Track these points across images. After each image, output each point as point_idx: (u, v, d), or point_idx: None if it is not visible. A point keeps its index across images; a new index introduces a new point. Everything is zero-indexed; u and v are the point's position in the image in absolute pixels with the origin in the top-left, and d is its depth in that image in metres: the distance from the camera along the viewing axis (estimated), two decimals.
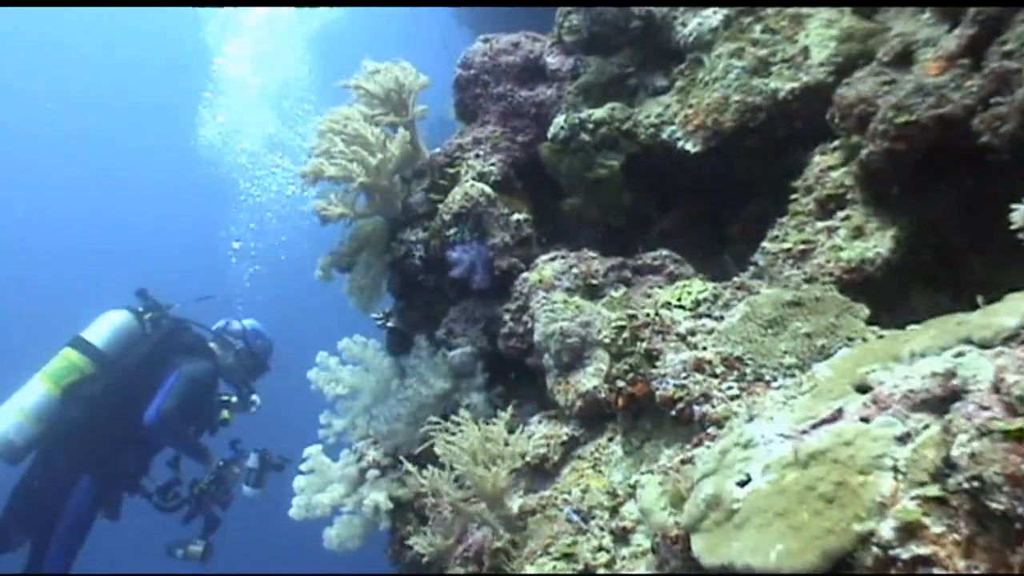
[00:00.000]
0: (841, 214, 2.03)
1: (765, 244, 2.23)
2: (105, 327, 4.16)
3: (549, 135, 2.60)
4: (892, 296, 1.91)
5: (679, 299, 1.87)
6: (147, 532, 4.41)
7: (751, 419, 1.23)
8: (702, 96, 2.52)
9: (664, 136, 2.57)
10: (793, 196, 2.26)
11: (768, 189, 2.75)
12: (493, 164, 2.70)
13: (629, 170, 2.71)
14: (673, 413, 1.51)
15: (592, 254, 2.54)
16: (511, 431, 1.97)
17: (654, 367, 1.67)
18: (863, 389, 1.08)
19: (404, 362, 3.07)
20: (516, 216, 2.62)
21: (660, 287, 2.43)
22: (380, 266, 2.75)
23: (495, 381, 2.55)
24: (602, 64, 2.71)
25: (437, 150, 2.82)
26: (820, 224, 2.09)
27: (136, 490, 4.19)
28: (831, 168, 2.14)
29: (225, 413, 4.42)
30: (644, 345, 1.71)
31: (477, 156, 2.73)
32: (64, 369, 3.97)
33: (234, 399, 4.49)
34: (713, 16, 2.57)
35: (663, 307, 1.87)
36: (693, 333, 1.69)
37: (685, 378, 1.52)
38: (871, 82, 2.03)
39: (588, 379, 2.13)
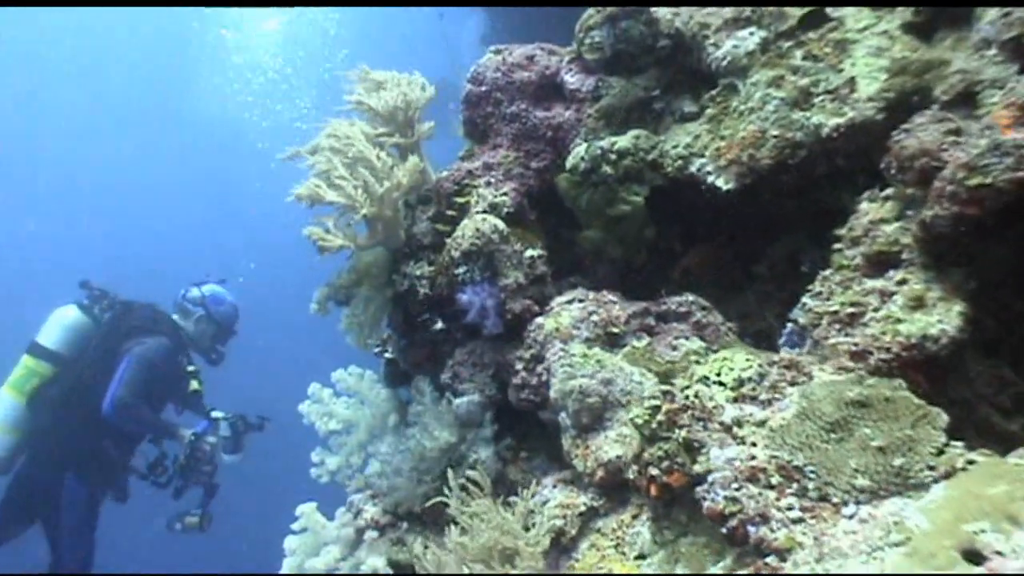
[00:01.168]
0: (895, 275, 1.87)
1: (807, 300, 2.07)
2: (56, 327, 4.27)
3: (568, 165, 2.42)
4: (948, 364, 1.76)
5: (718, 373, 1.71)
6: (149, 512, 4.53)
7: (821, 558, 1.06)
8: (736, 127, 2.35)
9: (693, 169, 2.41)
10: (837, 246, 2.10)
11: (799, 225, 2.59)
12: (505, 193, 2.53)
13: (652, 200, 2.54)
14: (724, 531, 1.34)
15: (612, 297, 2.38)
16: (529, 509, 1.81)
17: (695, 461, 1.50)
18: (973, 558, 0.92)
19: (403, 395, 2.91)
20: (530, 252, 2.45)
21: (686, 337, 2.28)
22: (381, 300, 2.58)
23: (504, 431, 2.39)
24: (626, 86, 2.53)
25: (444, 173, 2.64)
26: (870, 283, 1.93)
27: (125, 474, 4.35)
28: (883, 221, 1.97)
29: (194, 384, 4.44)
30: (683, 433, 1.55)
31: (488, 184, 2.56)
32: (24, 377, 4.14)
33: (192, 368, 4.51)
34: (749, 39, 2.40)
35: (700, 382, 1.71)
36: (740, 424, 1.53)
37: (737, 489, 1.36)
38: (934, 131, 1.86)
39: (610, 446, 1.97)
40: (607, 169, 2.40)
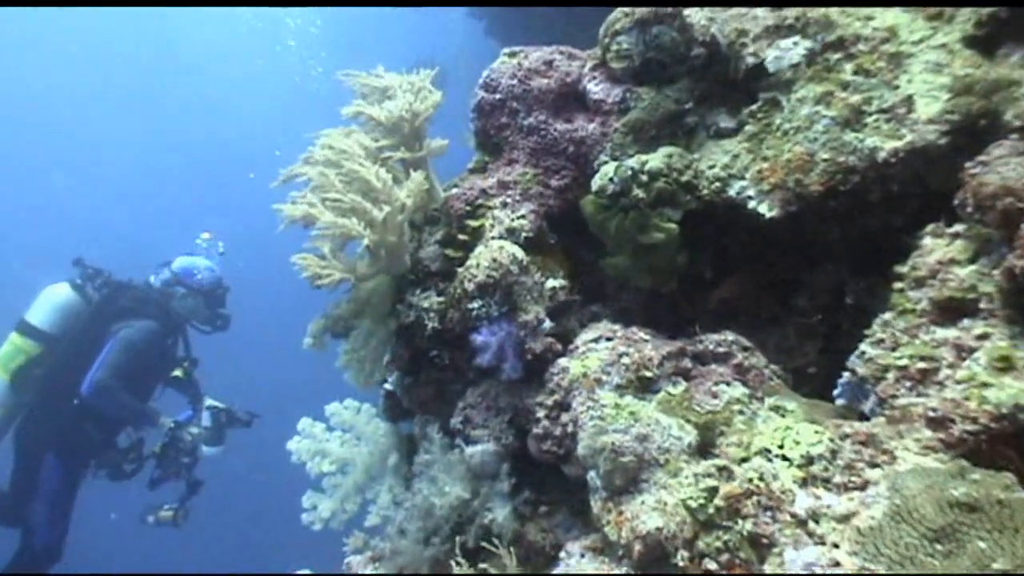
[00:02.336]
0: (974, 329, 1.70)
1: (866, 349, 1.90)
2: (46, 305, 4.38)
3: (594, 186, 2.23)
4: None
5: (781, 446, 1.53)
6: (130, 500, 4.58)
7: None
8: (780, 148, 2.17)
9: (732, 192, 2.23)
10: (898, 285, 1.93)
11: (843, 253, 2.42)
12: (523, 216, 2.34)
13: (683, 223, 2.34)
14: None
15: (643, 335, 2.20)
16: None
17: (763, 559, 1.31)
18: None
19: (404, 429, 2.72)
20: (551, 283, 2.28)
21: (728, 383, 2.11)
22: (383, 333, 2.39)
23: (521, 483, 2.20)
24: (656, 97, 2.34)
25: (455, 191, 2.45)
26: (941, 333, 1.76)
27: (104, 459, 4.45)
28: (954, 262, 1.79)
29: (178, 371, 4.60)
30: (748, 525, 1.37)
31: (504, 205, 2.37)
32: (10, 354, 4.25)
33: (186, 363, 4.68)
34: (793, 49, 2.22)
35: (760, 455, 1.53)
36: (816, 517, 1.35)
37: None
38: (1017, 166, 1.67)
39: (648, 515, 1.80)
40: (638, 192, 2.21)
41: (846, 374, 1.98)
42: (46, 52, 21.57)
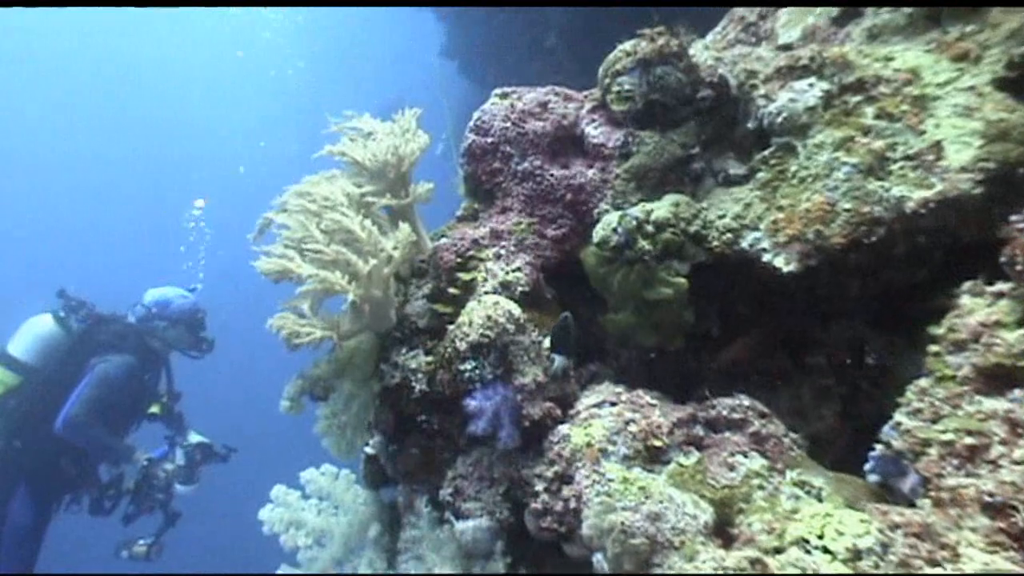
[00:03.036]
0: None
1: (903, 419, 1.74)
2: (27, 336, 4.38)
3: (596, 238, 2.07)
4: None
5: (821, 535, 1.34)
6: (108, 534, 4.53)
7: None
8: (796, 196, 2.02)
9: (744, 244, 2.07)
10: (934, 348, 1.77)
11: (861, 307, 2.27)
12: (519, 269, 2.17)
13: (690, 277, 2.18)
14: None
15: (649, 399, 2.03)
16: None
17: None
18: None
19: (386, 496, 2.51)
20: (547, 342, 2.06)
21: (744, 453, 1.94)
22: (366, 396, 2.20)
23: (518, 565, 2.00)
24: (661, 142, 2.20)
25: (444, 241, 2.28)
26: (989, 404, 1.61)
27: (80, 494, 4.45)
28: (999, 325, 1.63)
29: (155, 407, 4.60)
30: None
31: (498, 256, 2.21)
32: None
33: (165, 398, 4.70)
34: (809, 91, 2.07)
35: (797, 545, 1.34)
36: None
37: None
38: None
39: None
40: (644, 244, 2.05)
41: (878, 446, 1.81)
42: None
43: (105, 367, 4.24)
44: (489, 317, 2.07)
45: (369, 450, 2.60)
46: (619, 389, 2.19)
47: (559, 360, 2.09)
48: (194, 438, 4.64)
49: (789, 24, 2.65)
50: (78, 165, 22.85)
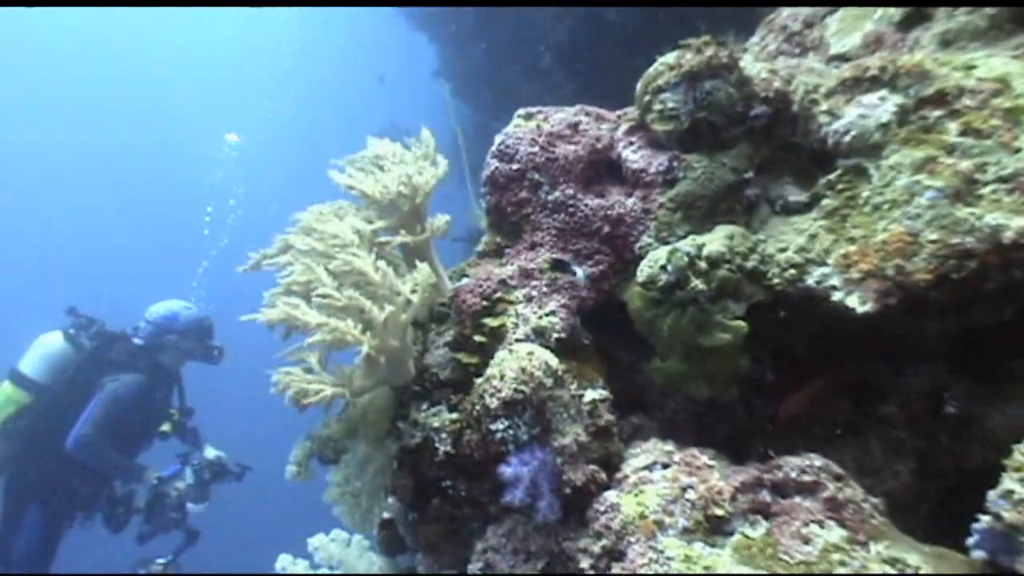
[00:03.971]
0: None
1: (1013, 486, 1.51)
2: (38, 354, 4.44)
3: (642, 277, 1.84)
4: None
5: None
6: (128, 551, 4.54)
7: None
8: (871, 227, 1.79)
9: (811, 282, 1.84)
10: None
11: (939, 350, 2.03)
12: (553, 312, 1.95)
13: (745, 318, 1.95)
14: None
15: (706, 459, 1.81)
16: None
17: None
18: None
19: (402, 564, 2.27)
20: (591, 394, 1.89)
21: (820, 523, 1.69)
22: (382, 458, 1.98)
23: None
24: (710, 166, 1.97)
25: (466, 282, 2.06)
26: None
27: (94, 510, 4.51)
28: None
29: (166, 426, 4.65)
30: None
31: (529, 299, 1.98)
32: (1, 404, 4.30)
33: (175, 415, 4.73)
34: (881, 106, 1.84)
35: None
36: None
37: None
38: None
39: None
40: (697, 283, 1.82)
41: (984, 518, 1.57)
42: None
43: (115, 386, 4.27)
44: (523, 370, 1.83)
45: (386, 514, 2.36)
46: (669, 447, 1.97)
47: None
48: (210, 453, 4.68)
49: (842, 32, 2.43)
50: (88, 174, 22.94)
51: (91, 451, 4.10)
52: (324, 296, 1.95)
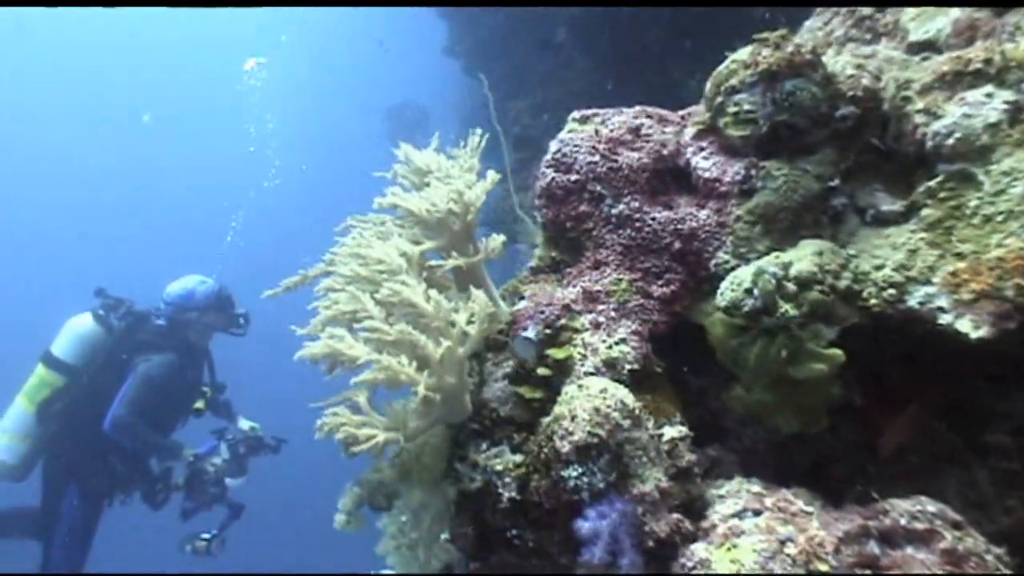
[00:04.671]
0: None
1: None
2: (69, 336, 4.49)
3: (723, 301, 1.67)
4: None
5: None
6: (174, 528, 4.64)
7: None
8: (983, 241, 1.61)
9: (912, 303, 1.67)
10: None
11: None
12: (623, 341, 1.79)
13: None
14: None
15: (802, 503, 1.67)
16: None
17: None
18: None
19: None
20: (669, 432, 1.73)
21: None
22: (440, 504, 1.82)
23: None
24: (792, 174, 1.79)
25: (524, 304, 1.87)
26: None
27: (132, 488, 4.58)
28: None
29: (199, 403, 4.69)
30: None
31: (596, 326, 1.82)
32: (36, 386, 4.39)
33: (208, 391, 4.79)
34: (988, 103, 1.64)
35: None
36: None
37: None
38: None
39: None
40: (787, 308, 1.64)
41: None
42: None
43: (147, 367, 4.32)
44: (597, 410, 1.67)
45: (444, 564, 2.20)
46: (756, 487, 1.79)
47: None
48: (244, 424, 4.88)
49: (923, 16, 2.22)
50: (108, 163, 22.99)
51: (128, 432, 4.16)
52: (372, 329, 1.78)
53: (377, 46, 15.36)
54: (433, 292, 1.84)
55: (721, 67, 1.99)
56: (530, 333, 1.90)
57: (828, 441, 2.06)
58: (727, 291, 1.78)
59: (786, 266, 1.77)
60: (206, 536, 4.37)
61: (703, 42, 5.94)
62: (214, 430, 4.66)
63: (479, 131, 2.20)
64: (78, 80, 22.98)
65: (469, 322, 1.83)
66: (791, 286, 1.74)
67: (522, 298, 2.09)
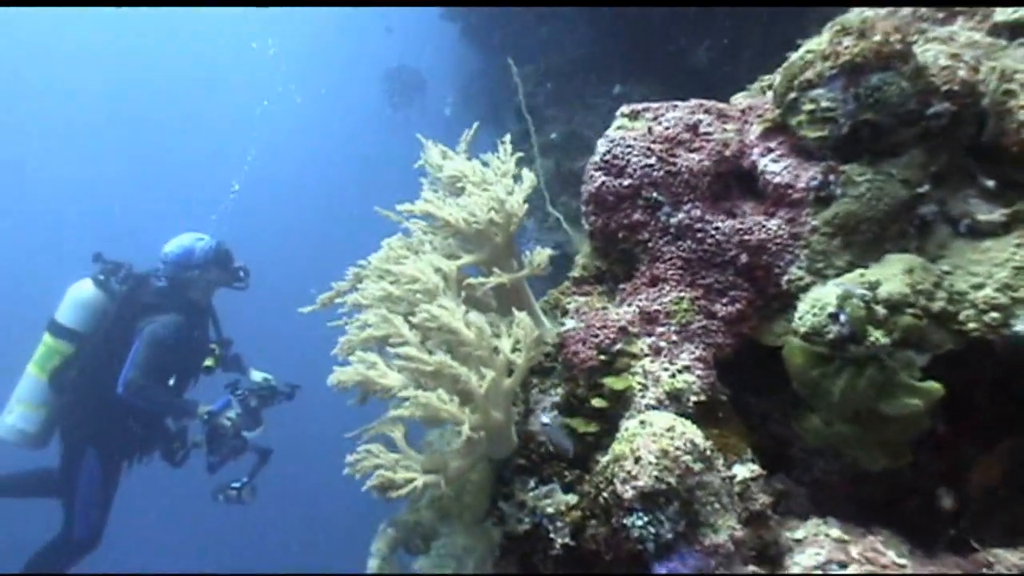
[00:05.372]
0: None
1: None
2: (72, 303, 4.51)
3: (802, 326, 1.49)
4: None
5: None
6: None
7: None
8: None
9: (1019, 327, 1.43)
10: None
11: None
12: (687, 369, 1.61)
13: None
14: None
15: (894, 555, 1.54)
16: None
17: None
18: None
19: None
20: (741, 471, 1.59)
21: None
22: (484, 547, 1.65)
23: None
24: (876, 180, 1.59)
25: (571, 326, 1.68)
26: None
27: (150, 448, 4.69)
28: None
29: (209, 361, 4.69)
30: None
31: (657, 351, 1.64)
32: (44, 355, 4.44)
33: (216, 348, 4.80)
34: None
35: None
36: None
37: None
38: None
39: None
40: (877, 335, 1.45)
41: None
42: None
43: (153, 328, 4.33)
44: (665, 452, 1.49)
45: None
46: (835, 531, 1.63)
47: None
48: (256, 376, 4.89)
49: None
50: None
51: (140, 394, 4.18)
52: (409, 358, 1.60)
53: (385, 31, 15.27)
54: (474, 315, 1.66)
55: (794, 57, 1.78)
56: (546, 419, 1.74)
57: (906, 472, 1.88)
58: (808, 315, 1.58)
59: (873, 286, 1.57)
60: (236, 485, 4.45)
61: (708, 10, 5.70)
62: (227, 384, 4.69)
63: (507, 138, 2.01)
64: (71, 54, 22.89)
65: (514, 349, 1.65)
66: (880, 310, 1.55)
67: (565, 312, 1.90)
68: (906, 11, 2.24)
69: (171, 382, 4.54)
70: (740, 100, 2.20)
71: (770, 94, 2.01)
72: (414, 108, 16.26)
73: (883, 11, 2.19)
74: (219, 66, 23.62)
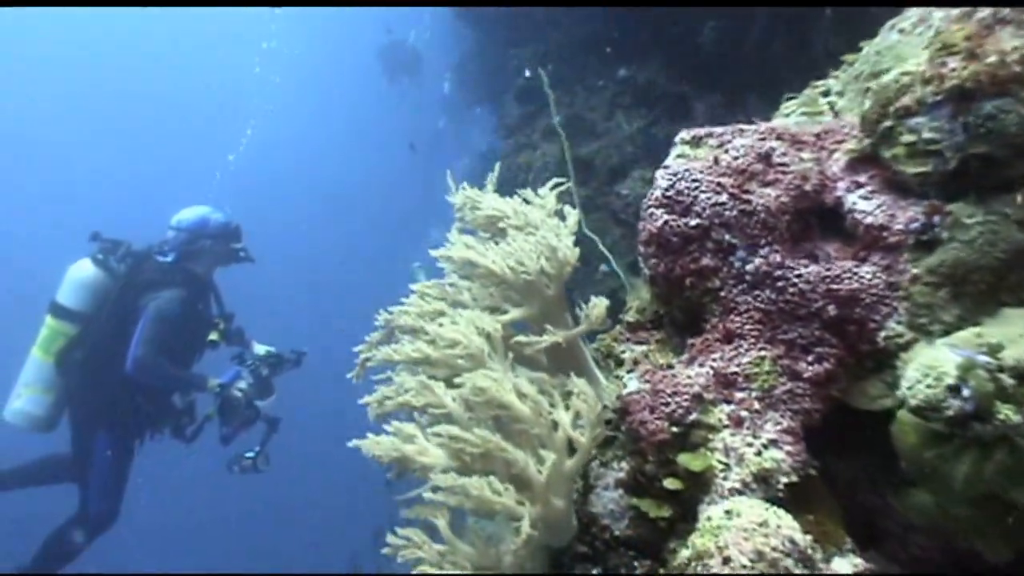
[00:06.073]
0: None
1: None
2: (72, 284, 4.51)
3: (914, 398, 1.29)
4: None
5: None
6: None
7: None
8: None
9: None
10: None
11: None
12: (775, 443, 1.40)
13: None
14: None
15: None
16: None
17: None
18: None
19: None
20: (841, 566, 1.37)
21: None
22: None
23: None
24: (989, 223, 1.35)
25: (634, 387, 1.47)
26: None
27: (161, 425, 4.74)
28: None
29: (214, 335, 4.77)
30: None
31: (738, 422, 1.44)
32: (49, 337, 4.46)
33: (219, 323, 4.86)
34: None
35: None
36: None
37: None
38: None
39: None
40: (1007, 413, 1.22)
41: None
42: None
43: (157, 304, 4.37)
44: (760, 554, 1.28)
45: None
46: None
47: None
48: (260, 349, 4.97)
49: None
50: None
51: (150, 371, 4.24)
52: (455, 439, 1.38)
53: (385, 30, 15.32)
54: (524, 383, 1.44)
55: (887, 79, 1.56)
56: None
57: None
58: (921, 387, 1.36)
59: (995, 350, 1.35)
60: (250, 455, 4.57)
61: None
62: (233, 356, 4.84)
63: (554, 186, 1.79)
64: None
65: (576, 425, 1.43)
66: (1006, 379, 1.33)
67: (620, 363, 1.68)
68: (985, 12, 2.01)
69: (177, 357, 4.56)
70: (795, 112, 1.98)
71: (849, 117, 1.79)
72: (411, 83, 16.23)
73: (955, 11, 1.96)
74: (215, 46, 23.76)
